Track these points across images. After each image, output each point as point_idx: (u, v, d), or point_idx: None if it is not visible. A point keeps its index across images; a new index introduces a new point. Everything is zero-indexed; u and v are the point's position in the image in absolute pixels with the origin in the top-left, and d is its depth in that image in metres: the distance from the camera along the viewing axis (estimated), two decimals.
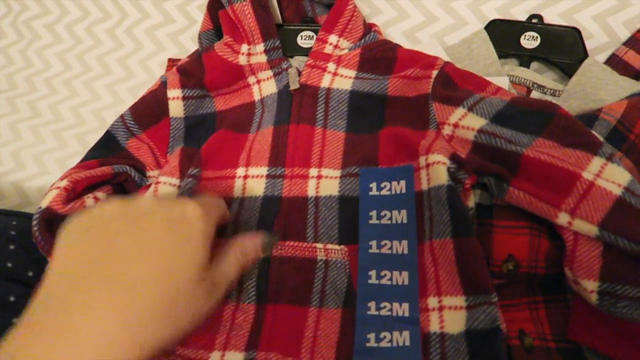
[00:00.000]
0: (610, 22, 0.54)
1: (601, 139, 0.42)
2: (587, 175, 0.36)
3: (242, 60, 0.50)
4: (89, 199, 0.43)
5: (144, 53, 0.66)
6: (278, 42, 0.50)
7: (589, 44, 0.52)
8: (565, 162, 0.37)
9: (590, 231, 0.35)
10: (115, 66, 0.66)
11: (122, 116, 0.51)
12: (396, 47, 0.49)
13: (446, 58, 0.52)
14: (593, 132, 0.43)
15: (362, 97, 0.47)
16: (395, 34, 0.58)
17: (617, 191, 0.35)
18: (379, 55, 0.48)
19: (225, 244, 0.36)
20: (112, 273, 0.28)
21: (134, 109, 0.51)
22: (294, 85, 0.48)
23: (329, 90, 0.47)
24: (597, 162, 0.37)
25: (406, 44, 0.57)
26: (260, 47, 0.50)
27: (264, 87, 0.50)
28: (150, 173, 0.50)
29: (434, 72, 0.45)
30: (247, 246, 0.37)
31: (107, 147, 0.50)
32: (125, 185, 0.48)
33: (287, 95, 0.48)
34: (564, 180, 0.36)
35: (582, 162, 0.37)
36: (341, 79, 0.48)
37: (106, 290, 0.27)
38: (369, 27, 0.52)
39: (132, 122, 0.50)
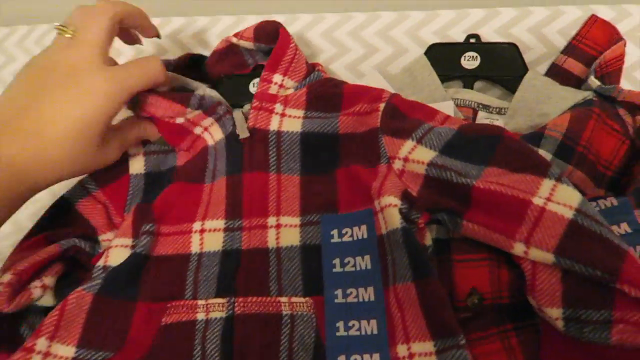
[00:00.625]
0: (546, 33, 0.55)
1: (548, 159, 0.43)
2: (538, 200, 0.36)
3: (179, 120, 0.49)
4: (36, 289, 0.41)
5: None
6: (200, 94, 0.48)
7: (528, 57, 0.53)
8: (515, 189, 0.37)
9: (547, 259, 0.35)
10: None
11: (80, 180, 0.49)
12: (341, 83, 0.49)
13: (390, 88, 0.52)
14: (541, 150, 0.44)
15: (314, 138, 0.46)
16: (338, 69, 0.58)
17: (569, 214, 0.35)
18: (325, 92, 0.48)
19: None
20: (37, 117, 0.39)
21: None
22: (243, 134, 0.47)
23: (279, 133, 0.47)
24: (546, 184, 0.37)
25: (350, 78, 0.57)
26: (189, 110, 0.48)
27: (213, 131, 0.49)
28: (102, 237, 0.48)
29: (381, 105, 0.44)
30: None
31: (57, 211, 0.48)
32: (76, 257, 0.46)
33: (236, 143, 0.47)
34: (516, 208, 0.36)
35: (532, 187, 0.37)
36: (290, 120, 0.47)
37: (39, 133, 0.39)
38: (312, 66, 0.51)
39: (87, 179, 0.49)
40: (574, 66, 0.52)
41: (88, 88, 0.40)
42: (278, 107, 0.48)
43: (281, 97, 0.48)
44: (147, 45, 0.63)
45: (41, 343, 0.38)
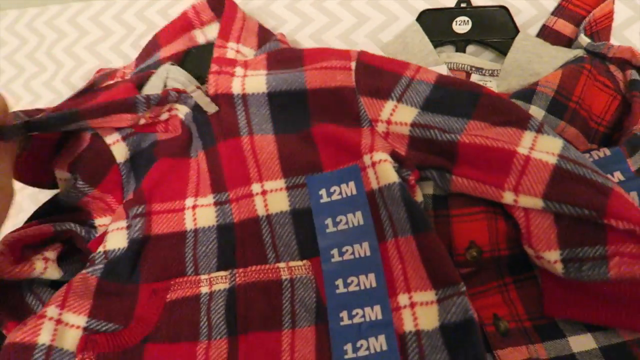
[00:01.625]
0: None
1: (541, 116, 0.43)
2: (522, 150, 0.37)
3: (141, 122, 0.46)
4: (38, 261, 0.41)
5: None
6: (142, 95, 0.44)
7: (518, 20, 0.53)
8: (499, 141, 0.37)
9: (536, 204, 0.36)
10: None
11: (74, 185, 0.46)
12: (301, 49, 0.48)
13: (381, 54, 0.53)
14: (533, 107, 0.44)
15: (281, 96, 0.45)
16: (330, 39, 0.58)
17: (553, 160, 0.36)
18: (285, 56, 0.47)
19: None
20: None
21: (80, 172, 0.46)
22: (210, 108, 0.45)
23: (244, 95, 0.45)
24: (528, 136, 0.38)
25: (343, 47, 0.57)
26: (142, 113, 0.45)
27: (179, 109, 0.47)
28: (98, 221, 0.47)
29: (353, 64, 0.44)
30: None
31: (52, 205, 0.48)
32: (73, 241, 0.46)
33: (203, 115, 0.46)
34: (502, 159, 0.37)
35: (514, 139, 0.38)
36: (252, 80, 0.46)
37: None
38: (270, 36, 0.51)
39: (82, 184, 0.46)
40: (564, 27, 0.53)
41: None
42: (239, 70, 0.46)
43: (241, 62, 0.47)
44: None
45: (51, 310, 0.38)
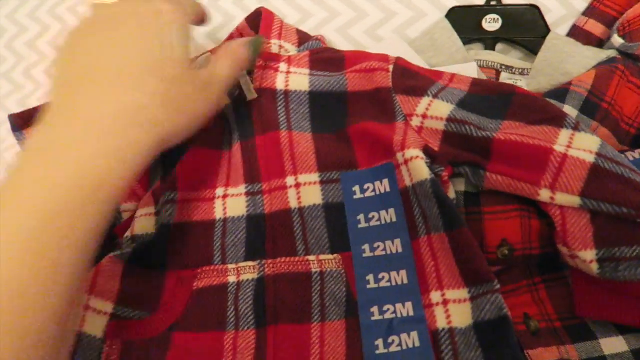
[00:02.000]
0: None
1: (574, 115, 0.43)
2: (559, 148, 0.36)
3: None
4: None
5: None
6: None
7: (548, 19, 0.52)
8: (535, 139, 0.37)
9: (573, 202, 0.35)
10: None
11: None
12: (343, 51, 0.49)
13: (410, 51, 0.52)
14: (566, 106, 0.44)
15: (323, 97, 0.45)
16: (357, 34, 0.57)
17: (590, 158, 0.36)
18: (326, 56, 0.47)
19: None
20: (106, 68, 0.31)
21: None
22: (251, 95, 0.46)
23: (286, 92, 0.46)
24: (564, 134, 0.37)
25: (369, 42, 0.57)
26: None
27: None
28: (124, 207, 0.47)
29: (390, 67, 0.44)
30: (234, 46, 0.40)
31: None
32: None
33: (244, 107, 0.46)
34: (538, 156, 0.37)
35: (550, 137, 0.37)
36: (296, 78, 0.46)
37: (107, 83, 0.30)
38: (309, 37, 0.52)
39: None
40: (595, 28, 0.52)
41: (147, 17, 0.33)
42: (282, 66, 0.47)
43: (284, 57, 0.47)
44: None
45: None
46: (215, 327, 0.38)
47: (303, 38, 0.51)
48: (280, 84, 0.46)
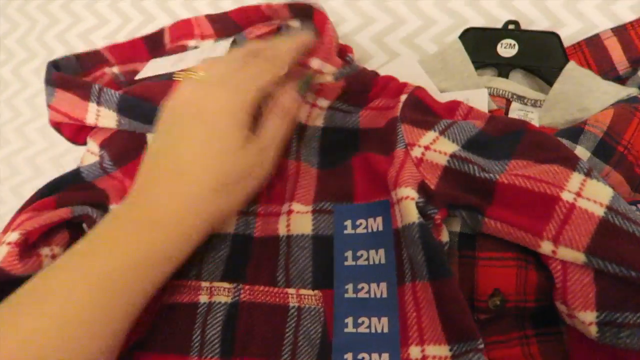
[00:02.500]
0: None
1: (586, 157, 0.40)
2: (567, 195, 0.33)
3: None
4: (46, 258, 0.39)
5: None
6: None
7: (563, 32, 0.49)
8: (542, 182, 0.34)
9: (577, 258, 0.32)
10: None
11: (100, 156, 0.47)
12: (372, 77, 0.46)
13: (423, 74, 0.50)
14: (579, 147, 0.41)
15: (334, 133, 0.44)
16: (363, 41, 0.55)
17: (600, 212, 0.32)
18: (357, 88, 0.45)
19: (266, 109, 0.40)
20: (176, 159, 0.36)
21: (110, 149, 0.47)
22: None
23: (304, 126, 0.45)
24: (576, 178, 0.34)
25: (374, 50, 0.55)
26: None
27: None
28: (113, 207, 0.46)
29: (403, 97, 0.42)
30: (285, 100, 0.41)
31: (71, 177, 0.47)
32: (84, 225, 0.45)
33: None
34: (543, 204, 0.34)
35: (560, 179, 0.34)
36: (316, 112, 0.45)
37: (177, 175, 0.36)
38: (344, 51, 0.49)
39: (108, 162, 0.46)
40: (614, 48, 0.49)
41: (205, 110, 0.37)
42: (310, 96, 0.45)
43: (316, 85, 0.45)
44: None
45: None
46: (178, 350, 0.36)
47: (341, 54, 0.48)
48: (302, 116, 0.45)
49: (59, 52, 0.64)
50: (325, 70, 0.45)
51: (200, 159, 0.36)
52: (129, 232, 0.34)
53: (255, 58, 0.40)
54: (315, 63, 0.45)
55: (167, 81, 0.46)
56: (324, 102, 0.45)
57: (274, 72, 0.40)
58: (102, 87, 0.46)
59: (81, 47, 0.62)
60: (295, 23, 0.53)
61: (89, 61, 0.54)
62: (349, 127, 0.44)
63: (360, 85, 0.46)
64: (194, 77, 0.39)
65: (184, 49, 0.55)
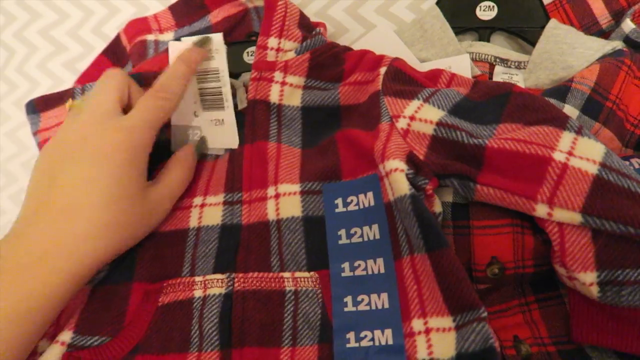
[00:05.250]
0: None
1: (575, 115, 0.39)
2: (559, 156, 0.32)
3: None
4: None
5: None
6: None
7: None
8: (532, 144, 0.33)
9: (573, 219, 0.32)
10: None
11: None
12: (343, 51, 0.45)
13: (400, 44, 0.48)
14: (567, 106, 0.40)
15: (315, 112, 0.44)
16: (337, 13, 0.54)
17: (593, 170, 0.32)
18: (327, 61, 0.45)
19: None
20: (60, 199, 0.34)
21: None
22: (241, 104, 0.44)
23: (280, 106, 0.44)
24: (566, 137, 0.33)
25: (349, 22, 0.53)
26: None
27: None
28: None
29: (382, 69, 0.41)
30: (184, 154, 0.42)
31: None
32: None
33: (238, 115, 0.44)
34: (535, 166, 0.33)
35: (551, 140, 0.33)
36: (290, 90, 0.44)
37: (57, 214, 0.33)
38: (310, 25, 0.47)
39: None
40: (595, 2, 0.47)
41: (99, 148, 0.35)
42: (277, 75, 0.44)
43: (280, 64, 0.44)
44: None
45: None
46: (177, 348, 0.35)
47: (305, 29, 0.47)
48: (274, 96, 0.44)
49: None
50: (285, 46, 0.45)
51: (96, 200, 0.34)
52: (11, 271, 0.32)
53: (145, 96, 0.39)
54: (271, 42, 0.45)
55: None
56: (293, 79, 0.44)
57: (165, 108, 0.39)
58: (84, 85, 0.46)
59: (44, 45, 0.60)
60: (259, 2, 0.52)
61: (66, 97, 0.52)
62: (329, 105, 0.43)
63: (330, 59, 0.45)
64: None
65: (143, 44, 0.54)
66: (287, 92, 0.44)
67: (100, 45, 0.58)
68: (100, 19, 0.59)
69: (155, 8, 0.57)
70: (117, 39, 0.56)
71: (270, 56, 0.45)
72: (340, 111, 0.43)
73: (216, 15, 0.53)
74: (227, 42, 0.47)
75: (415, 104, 0.38)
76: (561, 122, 0.34)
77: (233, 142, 0.44)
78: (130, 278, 0.38)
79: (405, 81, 0.41)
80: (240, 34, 0.53)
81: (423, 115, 0.37)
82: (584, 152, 0.33)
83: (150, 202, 0.37)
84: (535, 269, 0.35)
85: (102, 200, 0.34)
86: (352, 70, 0.43)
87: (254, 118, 0.43)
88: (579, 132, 0.33)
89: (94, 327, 0.36)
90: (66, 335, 0.36)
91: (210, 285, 0.37)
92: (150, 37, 0.54)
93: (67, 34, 0.60)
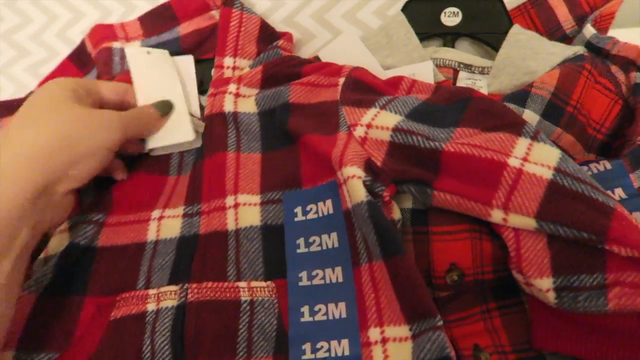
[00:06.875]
0: None
1: (535, 121, 0.39)
2: (514, 161, 0.32)
3: None
4: None
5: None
6: None
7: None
8: (488, 150, 0.33)
9: (528, 224, 0.31)
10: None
11: None
12: (302, 63, 0.45)
13: (366, 51, 0.48)
14: (527, 111, 0.40)
15: (270, 113, 0.44)
16: (303, 19, 0.54)
17: (548, 175, 0.31)
18: (282, 72, 0.45)
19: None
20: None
21: None
22: (200, 128, 0.44)
23: (235, 114, 0.44)
24: (522, 143, 0.33)
25: (316, 28, 0.53)
26: None
27: None
28: None
29: (341, 80, 0.41)
30: (145, 109, 0.42)
31: None
32: None
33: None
34: (490, 172, 0.33)
35: (506, 146, 0.33)
36: (244, 100, 0.44)
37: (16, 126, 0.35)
38: (276, 37, 0.48)
39: None
40: (559, 7, 0.48)
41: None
42: (231, 87, 0.45)
43: (235, 78, 0.45)
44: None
45: None
46: None
47: (264, 41, 0.48)
48: (228, 105, 0.44)
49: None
50: (240, 65, 0.46)
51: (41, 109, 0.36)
52: None
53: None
54: (227, 61, 0.46)
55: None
56: (246, 91, 0.45)
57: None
58: None
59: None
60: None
61: None
62: (279, 103, 0.43)
63: (282, 70, 0.45)
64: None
65: (109, 51, 0.53)
66: (242, 101, 0.44)
67: (64, 50, 0.57)
68: (65, 23, 0.58)
69: (118, 12, 0.57)
70: (82, 44, 0.56)
71: (227, 74, 0.46)
72: (290, 107, 0.42)
73: (186, 27, 0.53)
74: (199, 58, 0.48)
75: (372, 111, 0.38)
76: (517, 128, 0.34)
77: (188, 134, 0.43)
78: (83, 291, 0.37)
79: (364, 90, 0.40)
80: (209, 48, 0.53)
81: (380, 122, 0.37)
82: (538, 158, 0.32)
83: (95, 122, 0.37)
84: (495, 274, 0.35)
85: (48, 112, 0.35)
86: (309, 75, 0.43)
87: (212, 131, 0.43)
88: (534, 137, 0.33)
89: (40, 342, 0.35)
90: (8, 356, 0.35)
91: (163, 298, 0.36)
92: (116, 45, 0.54)
93: (30, 38, 0.59)
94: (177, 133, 0.43)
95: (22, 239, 0.33)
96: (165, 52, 0.46)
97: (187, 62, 0.46)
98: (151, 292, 0.36)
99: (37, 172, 0.33)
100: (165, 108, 0.43)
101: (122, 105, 0.42)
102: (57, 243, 0.39)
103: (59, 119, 0.35)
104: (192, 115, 0.45)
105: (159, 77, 0.44)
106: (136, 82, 0.43)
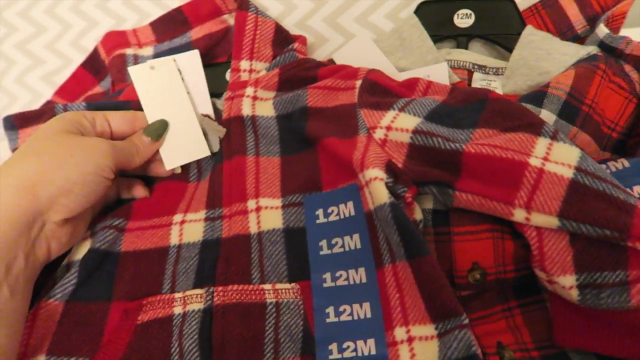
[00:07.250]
0: None
1: (552, 120, 0.39)
2: (534, 161, 0.33)
3: None
4: None
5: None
6: None
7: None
8: (509, 150, 0.33)
9: (551, 223, 0.32)
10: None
11: None
12: (317, 66, 0.46)
13: (379, 53, 0.48)
14: (544, 111, 0.40)
15: (289, 117, 0.44)
16: (316, 23, 0.54)
17: (569, 174, 0.32)
18: (298, 75, 0.45)
19: None
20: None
21: None
22: (220, 133, 0.45)
23: (253, 118, 0.44)
24: (542, 143, 0.34)
25: (328, 31, 0.54)
26: None
27: None
28: None
29: (358, 82, 0.41)
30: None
31: None
32: None
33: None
34: (511, 172, 0.33)
35: (526, 146, 0.34)
36: (262, 103, 0.45)
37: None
38: (290, 40, 0.48)
39: None
40: (570, 8, 0.48)
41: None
42: (249, 90, 0.45)
43: (252, 81, 0.46)
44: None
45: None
46: None
47: (280, 44, 0.48)
48: (246, 109, 0.44)
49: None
50: (257, 67, 0.47)
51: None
52: None
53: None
54: (244, 65, 0.46)
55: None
56: (263, 94, 0.45)
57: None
58: (65, 104, 0.46)
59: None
60: (233, 21, 0.53)
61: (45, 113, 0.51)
62: (298, 107, 0.43)
63: (298, 73, 0.45)
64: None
65: (122, 58, 0.54)
66: (259, 104, 0.45)
67: (78, 58, 0.57)
68: (79, 32, 0.59)
69: (132, 20, 0.57)
70: (96, 52, 0.56)
71: (244, 77, 0.46)
72: (307, 111, 0.43)
73: (197, 32, 0.54)
74: (209, 63, 0.48)
75: (391, 114, 0.39)
76: (536, 128, 0.34)
77: (204, 150, 0.44)
78: (109, 297, 0.38)
79: (381, 93, 0.41)
80: (221, 52, 0.53)
81: (399, 125, 0.37)
82: (559, 157, 0.33)
83: (77, 147, 0.37)
84: (516, 273, 0.35)
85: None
86: (325, 77, 0.44)
87: (230, 135, 0.44)
88: (554, 137, 0.34)
89: (70, 348, 0.36)
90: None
91: (189, 301, 0.36)
92: (129, 51, 0.54)
93: (45, 47, 0.59)
94: (193, 150, 0.44)
95: (18, 264, 0.34)
96: (170, 62, 0.45)
97: (193, 58, 0.46)
98: (177, 295, 0.37)
99: (26, 200, 0.34)
100: (156, 131, 0.42)
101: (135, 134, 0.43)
102: (79, 249, 0.40)
103: (47, 150, 0.36)
104: (207, 116, 0.45)
105: (166, 92, 0.44)
106: (143, 102, 0.43)
